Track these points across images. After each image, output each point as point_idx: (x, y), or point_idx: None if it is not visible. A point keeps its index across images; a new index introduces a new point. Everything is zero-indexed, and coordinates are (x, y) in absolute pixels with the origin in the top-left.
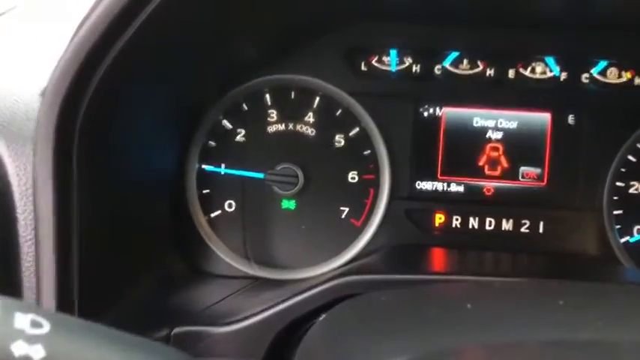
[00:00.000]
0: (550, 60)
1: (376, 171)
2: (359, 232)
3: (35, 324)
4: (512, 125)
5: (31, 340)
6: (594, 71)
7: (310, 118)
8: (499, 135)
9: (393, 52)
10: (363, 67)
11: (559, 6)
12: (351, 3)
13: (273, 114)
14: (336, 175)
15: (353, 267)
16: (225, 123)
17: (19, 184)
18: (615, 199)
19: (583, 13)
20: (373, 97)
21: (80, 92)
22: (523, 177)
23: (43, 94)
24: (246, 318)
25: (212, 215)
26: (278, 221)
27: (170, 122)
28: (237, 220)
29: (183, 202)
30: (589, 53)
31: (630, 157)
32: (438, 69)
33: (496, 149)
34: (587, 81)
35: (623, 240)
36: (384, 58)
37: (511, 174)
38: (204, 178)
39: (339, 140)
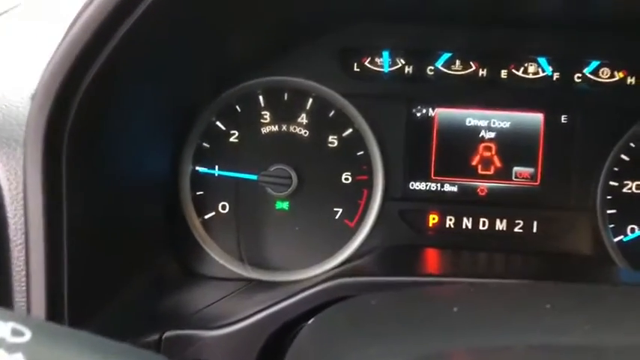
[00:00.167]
0: (543, 60)
1: (369, 172)
2: (353, 233)
3: (16, 332)
4: (505, 125)
5: (12, 348)
6: (587, 71)
7: (303, 119)
8: (492, 135)
9: (386, 53)
10: (355, 68)
11: (552, 6)
12: (343, 4)
13: (267, 115)
14: (329, 176)
15: (346, 269)
16: (219, 124)
17: (9, 189)
18: (609, 199)
19: (575, 14)
20: (366, 98)
21: (70, 94)
22: (516, 177)
23: (33, 97)
24: (237, 321)
25: (206, 217)
26: (272, 222)
27: (163, 124)
28: (231, 222)
29: (176, 203)
30: (581, 53)
31: (623, 157)
32: (431, 70)
33: (489, 149)
34: (579, 81)
35: (616, 239)
36: (377, 59)
37: (504, 174)
38: (197, 180)
39: (333, 141)
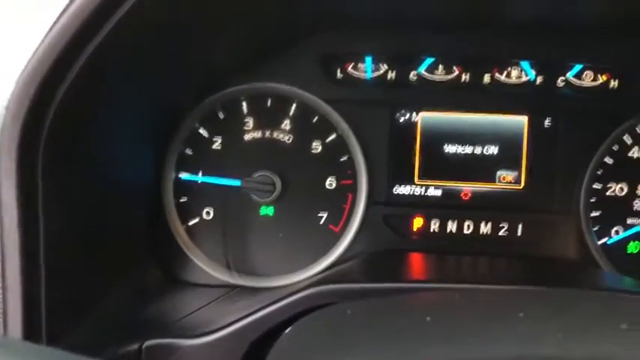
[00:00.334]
0: (525, 64)
1: (354, 177)
2: (337, 237)
3: None
4: (489, 129)
5: None
6: (570, 75)
7: (287, 125)
8: (476, 139)
9: (368, 59)
10: (338, 75)
11: (534, 10)
12: (325, 10)
13: (250, 122)
14: (314, 181)
15: (330, 275)
16: (202, 131)
17: None
18: (592, 202)
19: (558, 18)
20: (349, 103)
21: (45, 103)
22: (500, 181)
23: (7, 107)
24: (218, 329)
25: (190, 223)
26: (257, 228)
27: (145, 131)
28: (215, 228)
29: (160, 211)
30: (564, 57)
31: (607, 160)
32: (414, 75)
33: (473, 153)
34: (562, 84)
35: (600, 242)
36: (360, 65)
37: (488, 178)
38: (181, 187)
39: (316, 147)
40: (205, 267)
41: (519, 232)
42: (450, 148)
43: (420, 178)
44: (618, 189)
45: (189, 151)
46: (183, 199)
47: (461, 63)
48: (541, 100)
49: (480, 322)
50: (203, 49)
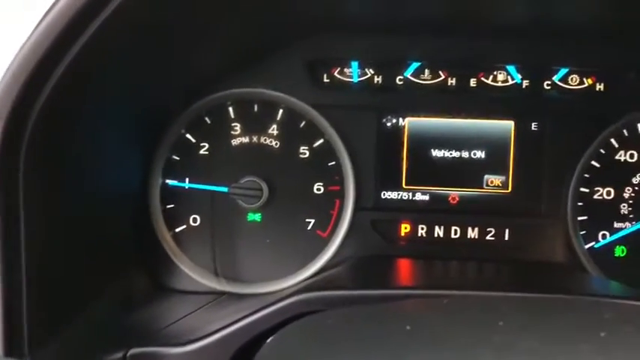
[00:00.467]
0: (511, 68)
1: (341, 182)
2: (325, 243)
3: None
4: (476, 134)
5: None
6: (556, 78)
7: (274, 130)
8: (463, 144)
9: (355, 64)
10: (325, 79)
11: (520, 15)
12: (311, 14)
13: (237, 127)
14: (301, 186)
15: (316, 282)
16: (189, 137)
17: None
18: (580, 205)
19: (543, 22)
20: (336, 108)
21: (27, 109)
22: (487, 185)
23: None
24: (203, 337)
25: (177, 230)
26: (244, 234)
27: (132, 136)
28: (202, 235)
29: (147, 217)
30: (550, 61)
31: (594, 163)
32: (400, 79)
33: (460, 158)
34: (549, 88)
35: (587, 246)
36: (346, 70)
37: (476, 182)
38: (168, 193)
39: (304, 152)
40: (192, 274)
41: (507, 237)
42: (437, 153)
43: (407, 183)
44: (605, 192)
45: (176, 157)
46: (170, 206)
47: (447, 67)
48: (527, 104)
49: (460, 331)
50: (188, 53)
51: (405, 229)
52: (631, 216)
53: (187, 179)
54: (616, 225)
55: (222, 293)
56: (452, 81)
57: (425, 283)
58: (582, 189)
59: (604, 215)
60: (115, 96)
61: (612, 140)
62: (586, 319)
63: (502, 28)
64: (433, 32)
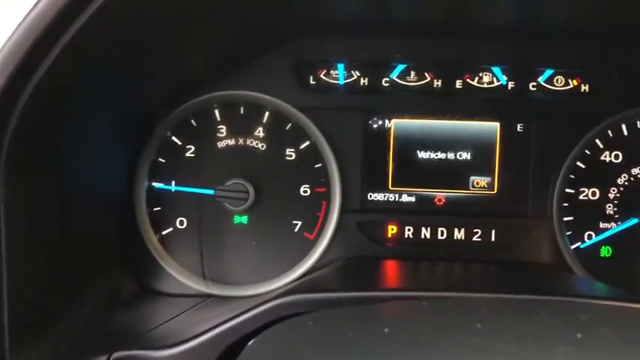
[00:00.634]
0: (497, 70)
1: (328, 184)
2: (312, 245)
3: None
4: (462, 135)
5: None
6: (541, 79)
7: (260, 132)
8: (449, 145)
9: (341, 66)
10: (311, 81)
11: (505, 16)
12: (298, 17)
13: (223, 129)
14: (288, 189)
15: (302, 284)
16: (175, 139)
17: None
18: (565, 206)
19: (529, 23)
20: (322, 110)
21: (9, 107)
22: (474, 186)
23: None
24: (188, 340)
25: (163, 233)
26: (231, 237)
27: (117, 139)
28: (189, 238)
29: (133, 220)
30: (535, 62)
31: (579, 164)
32: (386, 81)
33: (446, 159)
34: (534, 89)
35: (573, 246)
36: (332, 72)
37: (462, 183)
38: (154, 196)
39: (290, 154)
40: (179, 277)
41: (493, 238)
42: (423, 155)
43: (393, 184)
44: (591, 193)
45: (162, 160)
46: (157, 209)
47: (433, 69)
48: (513, 106)
49: (437, 334)
50: (173, 55)
51: (391, 230)
52: (616, 216)
53: (173, 182)
54: (601, 225)
55: (209, 296)
56: (437, 83)
57: (411, 284)
58: (568, 190)
59: (589, 216)
60: (98, 98)
61: (597, 141)
62: (564, 321)
63: (487, 30)
64: (419, 34)
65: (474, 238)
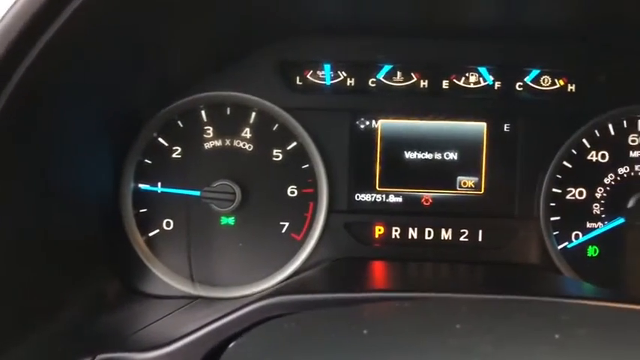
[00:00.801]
0: (483, 70)
1: (315, 185)
2: (299, 246)
3: None
4: (449, 135)
5: None
6: (527, 79)
7: (247, 133)
8: (436, 145)
9: (327, 66)
10: (298, 82)
11: (491, 17)
12: (283, 17)
13: (209, 130)
14: (275, 189)
15: (288, 285)
16: (161, 140)
17: None
18: (552, 206)
19: (515, 23)
20: (309, 111)
21: None
22: (461, 186)
23: None
24: (172, 342)
25: (150, 234)
26: (218, 238)
27: (103, 140)
28: (175, 239)
29: (119, 222)
30: (522, 62)
31: (566, 164)
32: (373, 82)
33: (433, 159)
34: (520, 89)
35: (561, 246)
36: (319, 72)
37: (449, 184)
38: (140, 197)
39: (277, 155)
40: (165, 278)
41: (480, 238)
42: (410, 155)
43: (380, 185)
44: (578, 193)
45: (148, 161)
46: (143, 210)
47: (419, 69)
48: (500, 106)
49: (416, 335)
50: (158, 56)
51: (378, 231)
52: (603, 216)
53: (160, 183)
54: (588, 225)
55: (195, 297)
56: (424, 83)
57: (399, 285)
58: (555, 189)
59: (576, 215)
60: (82, 98)
61: (584, 141)
62: (544, 321)
63: (474, 30)
64: (405, 35)
65: (461, 239)
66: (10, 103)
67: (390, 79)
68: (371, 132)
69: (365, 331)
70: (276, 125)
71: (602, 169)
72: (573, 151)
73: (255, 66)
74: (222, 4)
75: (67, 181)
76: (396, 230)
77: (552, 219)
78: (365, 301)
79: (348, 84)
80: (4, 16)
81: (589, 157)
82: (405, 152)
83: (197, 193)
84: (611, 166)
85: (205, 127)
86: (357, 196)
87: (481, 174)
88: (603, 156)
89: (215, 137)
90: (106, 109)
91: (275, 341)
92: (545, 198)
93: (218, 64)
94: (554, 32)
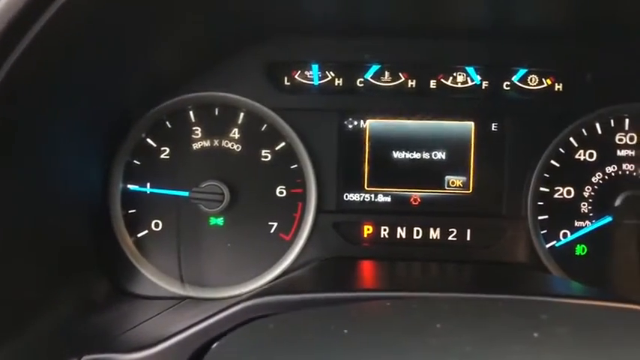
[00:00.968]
0: (471, 69)
1: (304, 185)
2: (288, 246)
3: None
4: (437, 135)
5: None
6: (515, 79)
7: (235, 134)
8: (424, 145)
9: (315, 67)
10: (286, 82)
11: (479, 16)
12: (271, 17)
13: (198, 131)
14: (264, 190)
15: (277, 284)
16: (149, 141)
17: None
18: (540, 205)
19: (502, 23)
20: (297, 111)
21: None
22: (449, 186)
23: None
24: (158, 342)
25: (139, 235)
26: (207, 239)
27: (91, 140)
28: (164, 240)
29: (108, 222)
30: (509, 61)
31: (554, 163)
32: (360, 82)
33: (421, 159)
34: (508, 88)
35: (549, 245)
36: (307, 73)
37: (437, 183)
38: (129, 198)
39: (266, 155)
40: (154, 279)
41: (468, 237)
42: (398, 155)
43: (369, 184)
44: (565, 192)
45: (136, 162)
46: (132, 211)
47: (407, 69)
48: (487, 105)
49: (396, 335)
50: (145, 56)
51: (367, 230)
52: (591, 214)
53: (148, 184)
54: (576, 224)
55: (184, 298)
56: (412, 83)
57: (387, 284)
58: (542, 188)
59: (564, 214)
60: (69, 98)
61: (572, 140)
62: (524, 320)
63: (461, 30)
64: (393, 35)
65: (450, 238)
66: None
67: (378, 79)
68: (359, 132)
69: (345, 331)
70: (265, 125)
71: (589, 168)
72: (561, 150)
73: (243, 66)
74: (211, 4)
75: (56, 182)
76: (385, 230)
77: (540, 218)
78: (354, 300)
79: (336, 84)
80: None
81: (576, 156)
82: (394, 152)
83: (186, 193)
84: (599, 165)
85: (194, 128)
86: (346, 196)
87: (469, 173)
88: (591, 155)
89: (203, 138)
90: (94, 110)
91: (255, 342)
92: (533, 197)
93: (206, 64)
94: (542, 31)
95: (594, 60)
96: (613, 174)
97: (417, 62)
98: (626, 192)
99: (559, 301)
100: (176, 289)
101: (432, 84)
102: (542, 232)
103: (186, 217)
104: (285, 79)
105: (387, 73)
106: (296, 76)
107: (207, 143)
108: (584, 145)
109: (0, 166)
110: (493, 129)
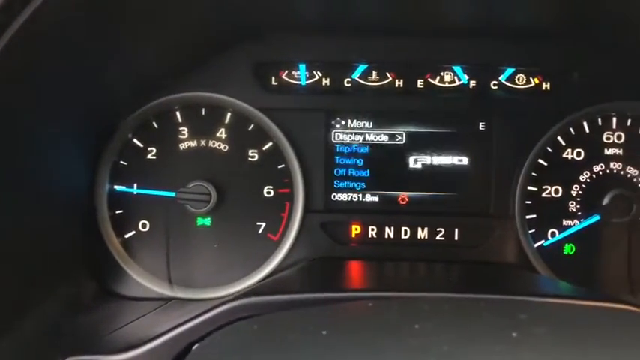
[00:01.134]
0: (458, 69)
1: (291, 185)
2: (276, 246)
3: None
4: (424, 134)
5: None
6: (502, 78)
7: (222, 134)
8: (411, 144)
9: (302, 66)
10: (273, 82)
11: (466, 16)
12: (257, 16)
13: (184, 131)
14: (251, 190)
15: (264, 285)
16: (136, 141)
17: None
18: (528, 204)
19: (490, 22)
20: (284, 111)
21: None
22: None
23: None
24: (143, 343)
25: (126, 236)
26: (194, 240)
27: (78, 141)
28: (151, 241)
29: (95, 223)
30: (496, 61)
31: (541, 162)
32: (348, 81)
33: (409, 158)
34: (495, 88)
35: (537, 244)
36: (294, 72)
37: (425, 183)
38: (116, 199)
39: (253, 155)
40: (141, 280)
41: (456, 237)
42: (386, 154)
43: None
44: (553, 191)
45: (123, 162)
46: (119, 212)
47: (394, 68)
48: (475, 104)
49: (375, 335)
50: (131, 58)
51: (355, 230)
52: (579, 213)
53: (135, 185)
54: (564, 223)
55: (170, 299)
56: (399, 82)
57: (375, 284)
58: (530, 187)
59: (552, 213)
60: (54, 100)
61: (559, 138)
62: (504, 320)
63: (448, 30)
64: (380, 34)
65: (438, 238)
66: None
67: (366, 79)
68: (346, 132)
69: (324, 332)
70: (252, 125)
71: (577, 167)
72: (548, 149)
73: (230, 66)
74: (198, 4)
75: (42, 183)
76: (373, 230)
77: (528, 217)
78: (341, 300)
79: (323, 84)
80: None
81: (564, 155)
82: (381, 152)
83: (173, 194)
84: (587, 164)
85: (180, 128)
86: (334, 196)
87: (457, 173)
88: (578, 154)
89: (190, 138)
90: (80, 111)
91: (234, 342)
92: (521, 196)
93: (193, 64)
94: (529, 31)
95: (581, 59)
96: (601, 173)
97: (404, 62)
98: (613, 191)
99: (544, 301)
100: (163, 290)
101: (420, 83)
102: (530, 231)
103: (173, 217)
104: (273, 78)
105: (374, 72)
106: (283, 76)
107: (193, 143)
108: (572, 144)
109: None
110: (481, 128)
